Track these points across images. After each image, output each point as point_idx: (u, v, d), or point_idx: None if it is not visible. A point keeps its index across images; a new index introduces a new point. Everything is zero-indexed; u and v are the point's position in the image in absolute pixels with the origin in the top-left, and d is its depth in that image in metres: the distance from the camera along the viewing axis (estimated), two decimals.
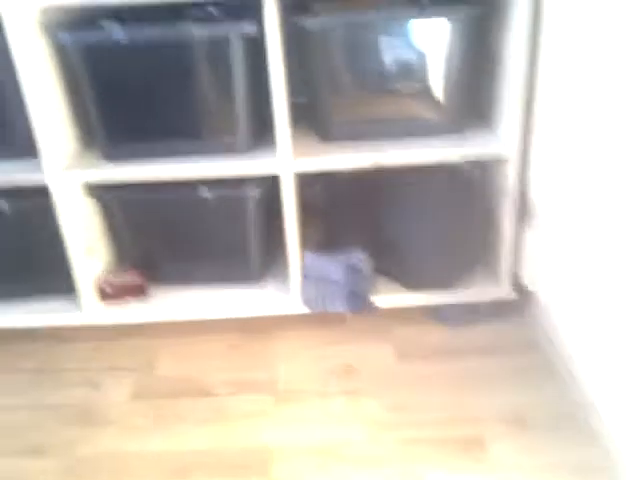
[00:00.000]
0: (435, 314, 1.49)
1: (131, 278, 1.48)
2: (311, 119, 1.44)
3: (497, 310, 1.47)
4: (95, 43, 1.22)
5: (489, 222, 1.46)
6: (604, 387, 1.12)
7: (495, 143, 1.35)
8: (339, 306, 1.38)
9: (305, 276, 1.43)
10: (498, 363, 1.35)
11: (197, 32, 1.20)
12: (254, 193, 1.38)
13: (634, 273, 0.97)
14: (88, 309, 1.45)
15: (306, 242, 1.47)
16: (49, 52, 1.29)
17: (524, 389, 1.28)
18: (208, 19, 1.23)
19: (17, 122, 1.29)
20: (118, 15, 1.26)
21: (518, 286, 1.45)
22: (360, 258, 1.40)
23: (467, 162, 1.41)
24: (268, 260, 1.55)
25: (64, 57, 1.29)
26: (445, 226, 1.39)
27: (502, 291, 1.45)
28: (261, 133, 1.39)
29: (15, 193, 1.36)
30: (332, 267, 1.39)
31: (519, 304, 1.46)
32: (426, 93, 1.34)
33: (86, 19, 1.27)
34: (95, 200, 1.45)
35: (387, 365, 1.37)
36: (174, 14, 1.24)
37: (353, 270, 1.38)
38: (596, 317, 1.12)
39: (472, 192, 1.42)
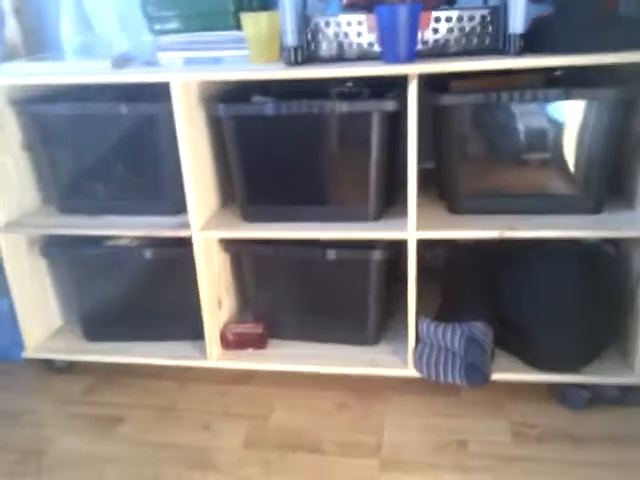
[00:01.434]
0: (556, 393, 1.44)
1: (253, 329, 1.56)
2: (439, 188, 1.47)
3: (625, 396, 1.41)
4: (246, 115, 1.32)
5: (624, 304, 1.41)
6: None
7: (635, 224, 1.31)
8: (457, 378, 1.38)
9: (421, 342, 1.44)
10: (620, 455, 1.29)
11: (341, 109, 1.27)
12: (378, 257, 1.43)
13: None
14: (211, 354, 1.53)
15: (425, 307, 1.49)
16: (204, 121, 1.42)
17: None
18: (351, 95, 1.30)
19: (169, 181, 1.42)
20: (267, 87, 1.36)
21: None
22: (481, 329, 1.40)
23: (601, 240, 1.40)
24: (386, 322, 1.58)
25: (216, 125, 1.41)
26: (576, 306, 1.35)
27: (633, 377, 1.39)
28: (390, 200, 1.44)
29: (158, 243, 1.49)
30: (451, 337, 1.39)
31: None
32: (561, 169, 1.33)
33: (239, 91, 1.38)
34: (229, 254, 1.55)
35: (502, 444, 1.34)
36: (319, 87, 1.33)
37: (473, 341, 1.37)
38: None
39: (607, 271, 1.39)
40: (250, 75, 1.26)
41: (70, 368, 1.65)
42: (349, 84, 1.40)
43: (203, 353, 1.53)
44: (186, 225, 1.41)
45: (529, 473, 1.26)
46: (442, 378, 1.40)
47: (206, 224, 1.44)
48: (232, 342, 1.55)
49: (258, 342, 1.55)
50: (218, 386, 1.57)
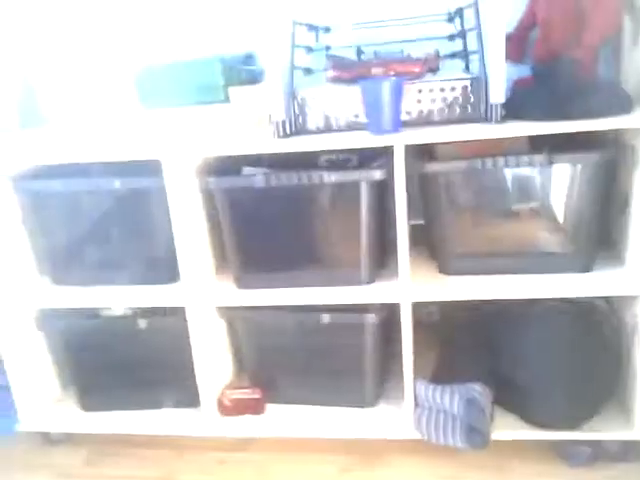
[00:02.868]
0: (556, 450, 1.44)
1: (250, 394, 1.55)
2: (429, 247, 1.49)
3: (626, 452, 1.40)
4: (237, 187, 1.35)
5: (620, 360, 1.42)
6: None
7: (626, 280, 1.33)
8: (457, 441, 1.37)
9: (419, 404, 1.43)
10: None
11: (330, 179, 1.30)
12: (372, 321, 1.43)
13: None
14: (208, 421, 1.52)
15: (422, 364, 1.49)
16: (197, 193, 1.44)
17: None
18: (340, 163, 1.33)
19: (163, 251, 1.44)
20: (259, 157, 1.39)
21: None
22: (479, 391, 1.39)
23: (596, 298, 1.40)
24: (383, 384, 1.57)
25: (209, 197, 1.44)
26: (572, 363, 1.36)
27: (633, 432, 1.38)
28: (382, 261, 1.46)
29: (153, 312, 1.49)
30: (450, 399, 1.39)
31: None
32: (550, 229, 1.36)
33: (231, 162, 1.41)
34: (223, 321, 1.56)
35: None
36: (309, 156, 1.36)
37: (472, 404, 1.37)
38: None
39: (600, 327, 1.39)
40: (240, 149, 1.29)
41: (67, 439, 1.64)
42: (338, 154, 1.43)
43: (200, 420, 1.53)
44: (180, 295, 1.43)
45: None
46: (442, 440, 1.40)
47: (200, 293, 1.45)
48: (229, 408, 1.54)
49: (256, 407, 1.55)
50: (216, 454, 1.56)
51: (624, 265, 1.38)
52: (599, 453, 1.40)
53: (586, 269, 1.36)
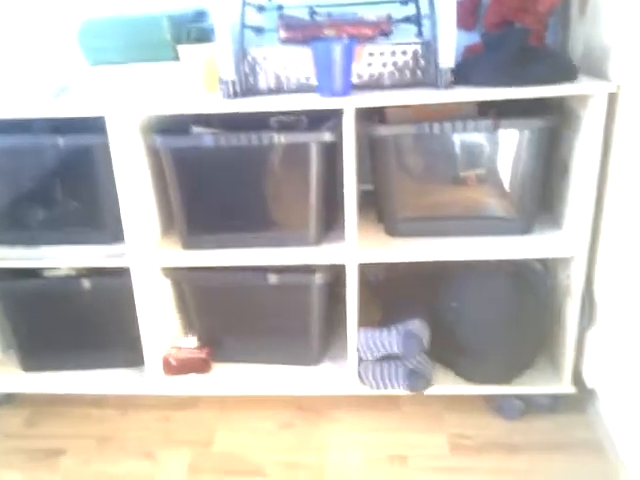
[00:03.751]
0: (492, 404, 1.51)
1: (196, 353, 1.56)
2: (379, 212, 1.51)
3: (557, 405, 1.48)
4: (184, 147, 1.33)
5: (552, 319, 1.50)
6: None
7: (563, 243, 1.39)
8: (400, 385, 1.43)
9: (362, 354, 1.47)
10: (554, 462, 1.36)
11: (279, 140, 1.29)
12: (319, 281, 1.46)
13: None
14: (153, 380, 1.53)
15: (367, 324, 1.52)
16: (143, 151, 1.41)
17: None
18: (290, 124, 1.32)
19: (107, 211, 1.41)
20: (208, 117, 1.37)
21: (579, 382, 1.47)
22: (417, 325, 1.44)
23: (532, 259, 1.47)
24: (328, 342, 1.61)
25: (155, 157, 1.41)
26: (506, 321, 1.42)
27: (563, 386, 1.47)
28: (331, 223, 1.48)
29: (97, 273, 1.47)
30: (388, 337, 1.43)
31: (580, 400, 1.48)
32: (494, 193, 1.39)
33: (179, 121, 1.38)
34: (169, 281, 1.55)
35: (440, 456, 1.40)
36: (260, 117, 1.34)
37: (411, 336, 1.41)
38: None
39: (535, 288, 1.46)
40: (187, 108, 1.26)
41: (8, 401, 1.62)
42: (288, 115, 1.42)
43: (145, 380, 1.53)
44: (124, 254, 1.41)
45: None
46: (384, 387, 1.45)
47: (145, 253, 1.44)
48: (175, 367, 1.54)
49: (201, 367, 1.56)
50: (161, 412, 1.57)
51: (561, 229, 1.44)
52: (531, 406, 1.49)
53: (526, 232, 1.42)
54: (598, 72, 1.32)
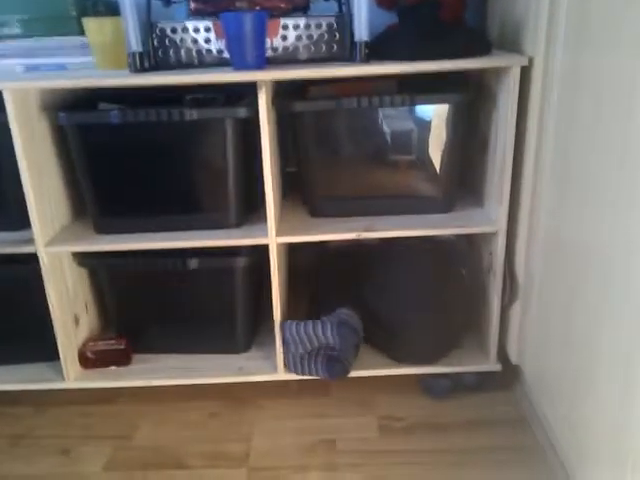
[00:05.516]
0: (420, 385, 1.51)
1: (115, 345, 1.49)
2: (301, 192, 1.49)
3: (483, 383, 1.49)
4: (91, 124, 1.26)
5: (476, 296, 1.50)
6: (593, 474, 1.13)
7: (483, 220, 1.39)
8: (319, 371, 1.41)
9: (292, 348, 1.44)
10: (482, 440, 1.36)
11: (192, 116, 1.24)
12: (242, 264, 1.42)
13: (625, 347, 0.97)
14: (69, 375, 1.45)
15: (299, 312, 1.50)
16: (46, 130, 1.33)
17: (508, 470, 1.28)
18: (204, 103, 1.28)
19: (11, 194, 1.33)
20: (119, 95, 1.31)
21: (505, 359, 1.48)
22: (346, 313, 1.43)
23: (455, 236, 1.47)
24: (255, 329, 1.57)
25: (61, 135, 1.33)
26: (430, 299, 1.42)
27: (488, 364, 1.48)
28: (251, 206, 1.43)
29: (2, 260, 1.38)
30: (322, 330, 1.41)
31: (507, 378, 1.49)
32: (414, 170, 1.39)
33: (84, 98, 1.32)
34: (83, 268, 1.47)
35: (369, 439, 1.38)
36: (174, 95, 1.30)
37: (344, 325, 1.40)
38: (582, 398, 1.14)
39: (459, 265, 1.47)
40: (90, 82, 1.20)
41: None
42: (205, 93, 1.37)
43: (60, 374, 1.45)
44: (30, 240, 1.33)
45: (396, 465, 1.30)
46: (307, 372, 1.43)
47: (53, 238, 1.36)
48: (92, 360, 1.48)
49: (121, 358, 1.49)
50: (79, 407, 1.49)
51: (483, 206, 1.45)
52: (458, 384, 1.49)
53: (448, 210, 1.42)
54: (512, 47, 1.33)
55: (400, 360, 1.47)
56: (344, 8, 1.25)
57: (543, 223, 1.27)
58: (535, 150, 1.27)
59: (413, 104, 1.29)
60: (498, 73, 1.29)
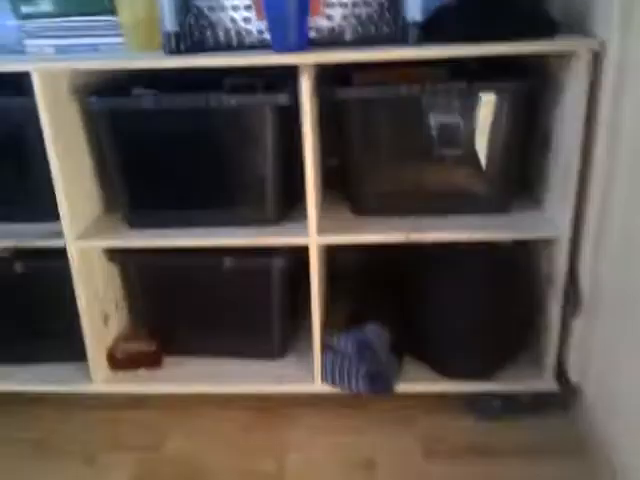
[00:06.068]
0: (467, 404, 1.38)
1: (145, 346, 1.42)
2: (344, 188, 1.38)
3: (538, 404, 1.35)
4: (124, 110, 1.19)
5: (534, 308, 1.37)
6: None
7: (544, 224, 1.27)
8: (360, 387, 1.30)
9: (329, 351, 1.34)
10: (536, 467, 1.23)
11: (229, 102, 1.16)
12: (280, 265, 1.32)
13: None
14: (97, 377, 1.38)
15: (335, 316, 1.40)
16: (76, 116, 1.27)
17: None
18: (243, 89, 1.19)
19: (39, 185, 1.26)
20: (154, 79, 1.23)
21: (563, 378, 1.34)
22: (376, 333, 1.32)
23: (511, 242, 1.34)
24: (291, 335, 1.47)
25: (92, 122, 1.26)
26: (484, 310, 1.29)
27: (544, 383, 1.34)
28: (291, 203, 1.34)
29: (32, 254, 1.32)
30: (344, 342, 1.32)
31: (564, 399, 1.35)
32: (469, 167, 1.27)
33: (117, 83, 1.25)
34: (114, 265, 1.41)
35: (412, 462, 1.26)
36: (215, 79, 1.22)
37: (364, 347, 1.30)
38: None
39: (516, 274, 1.34)
40: (121, 64, 1.13)
41: None
42: (245, 77, 1.28)
43: (87, 376, 1.38)
44: (60, 234, 1.26)
45: None
46: (347, 387, 1.32)
47: (83, 232, 1.29)
48: (121, 362, 1.40)
49: (151, 361, 1.41)
50: (105, 413, 1.41)
51: (542, 208, 1.32)
52: (509, 406, 1.35)
53: (504, 210, 1.30)
54: (580, 29, 1.19)
55: (446, 374, 1.35)
56: None
57: (617, 227, 1.13)
58: (607, 148, 1.14)
59: (472, 92, 1.17)
60: (564, 59, 1.16)
